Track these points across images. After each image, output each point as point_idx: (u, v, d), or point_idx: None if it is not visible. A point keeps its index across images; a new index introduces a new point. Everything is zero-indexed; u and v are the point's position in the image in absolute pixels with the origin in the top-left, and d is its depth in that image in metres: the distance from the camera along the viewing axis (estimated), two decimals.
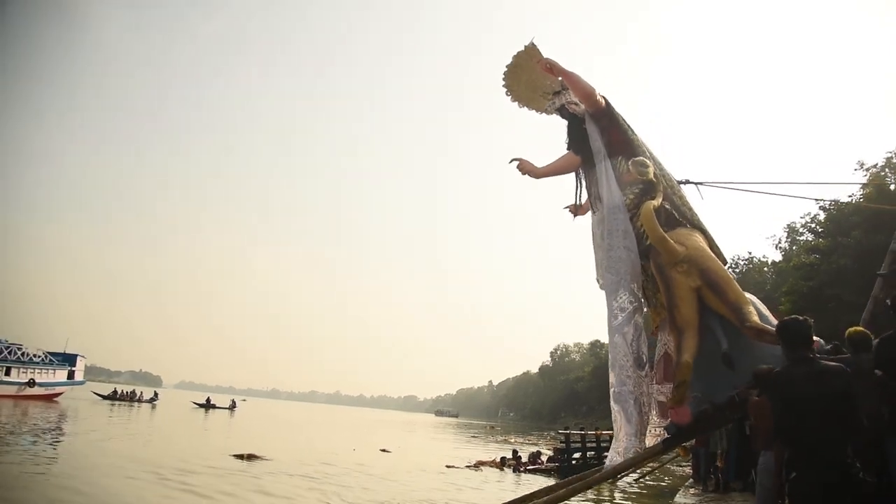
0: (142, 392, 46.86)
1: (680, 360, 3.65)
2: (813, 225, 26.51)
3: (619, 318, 4.08)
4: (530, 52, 4.62)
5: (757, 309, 3.78)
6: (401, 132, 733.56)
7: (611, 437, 4.59)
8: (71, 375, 36.09)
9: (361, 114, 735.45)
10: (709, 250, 4.04)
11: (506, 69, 4.78)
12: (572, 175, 4.93)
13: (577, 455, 16.35)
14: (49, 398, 33.19)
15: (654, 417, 4.21)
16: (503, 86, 4.84)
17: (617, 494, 11.74)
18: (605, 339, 4.41)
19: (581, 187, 4.88)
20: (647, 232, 3.95)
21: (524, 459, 17.46)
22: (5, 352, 31.19)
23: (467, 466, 16.63)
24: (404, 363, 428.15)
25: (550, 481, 13.81)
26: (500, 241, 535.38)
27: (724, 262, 4.18)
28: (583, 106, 4.60)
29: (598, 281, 4.63)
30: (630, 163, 4.23)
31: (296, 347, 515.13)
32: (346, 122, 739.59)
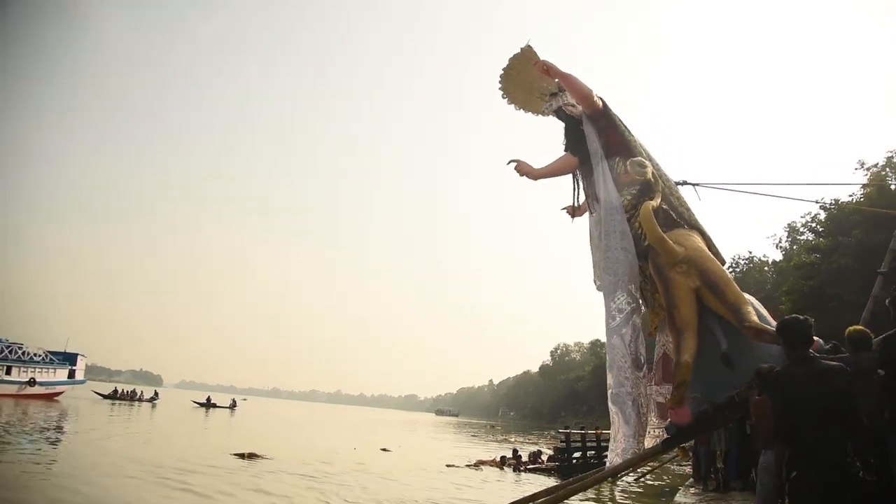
0: (142, 391, 46.94)
1: (680, 361, 3.65)
2: (813, 224, 26.49)
3: (617, 319, 4.08)
4: (527, 53, 4.61)
5: (755, 309, 3.78)
6: (401, 132, 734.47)
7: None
8: (71, 375, 36.13)
9: (361, 114, 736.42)
10: (707, 251, 4.04)
11: (502, 72, 4.78)
12: (570, 176, 4.93)
13: (577, 454, 16.35)
14: (50, 397, 33.22)
15: (654, 418, 4.21)
16: (500, 89, 4.84)
17: (617, 494, 11.74)
18: (605, 338, 4.40)
19: (579, 188, 4.88)
20: (646, 232, 3.94)
21: (524, 459, 17.46)
22: (6, 351, 31.21)
23: (467, 466, 16.64)
24: (404, 363, 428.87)
25: (551, 480, 13.83)
26: (500, 241, 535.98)
27: (723, 263, 4.18)
28: (580, 107, 4.59)
29: (595, 282, 4.63)
30: (628, 163, 4.23)
31: (296, 347, 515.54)
32: (346, 122, 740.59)
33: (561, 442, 17.47)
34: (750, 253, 38.82)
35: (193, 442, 18.32)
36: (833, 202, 22.21)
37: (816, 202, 21.24)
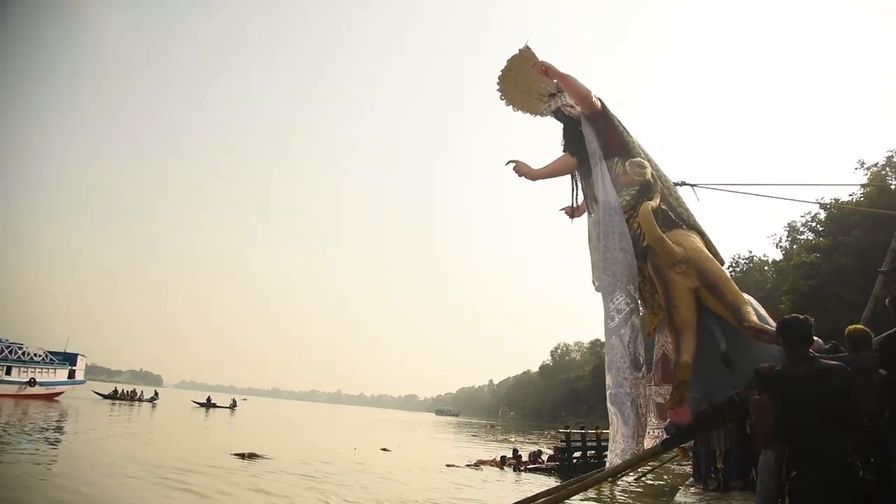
0: (142, 391, 46.94)
1: (679, 361, 3.65)
2: (813, 224, 26.45)
3: (616, 319, 4.08)
4: (525, 54, 4.60)
5: (754, 309, 3.78)
6: (401, 132, 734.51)
7: None
8: (71, 375, 36.11)
9: (361, 114, 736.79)
10: (706, 251, 4.04)
11: (500, 73, 4.77)
12: (569, 176, 4.93)
13: (577, 454, 16.35)
14: (50, 397, 33.22)
15: (653, 419, 4.20)
16: (498, 90, 4.84)
17: (617, 493, 11.75)
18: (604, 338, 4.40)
19: (577, 189, 4.87)
20: (646, 232, 3.94)
21: (524, 458, 17.45)
22: (6, 351, 31.20)
23: (467, 465, 16.64)
24: (404, 363, 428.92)
25: (551, 480, 13.84)
26: (500, 241, 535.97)
27: (722, 263, 4.18)
28: (579, 108, 4.59)
29: (593, 283, 4.63)
30: (627, 163, 4.22)
31: (296, 347, 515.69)
32: (346, 122, 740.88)
33: (561, 442, 17.47)
34: (750, 252, 38.81)
35: (193, 442, 18.32)
36: (833, 201, 22.20)
37: (817, 202, 21.19)
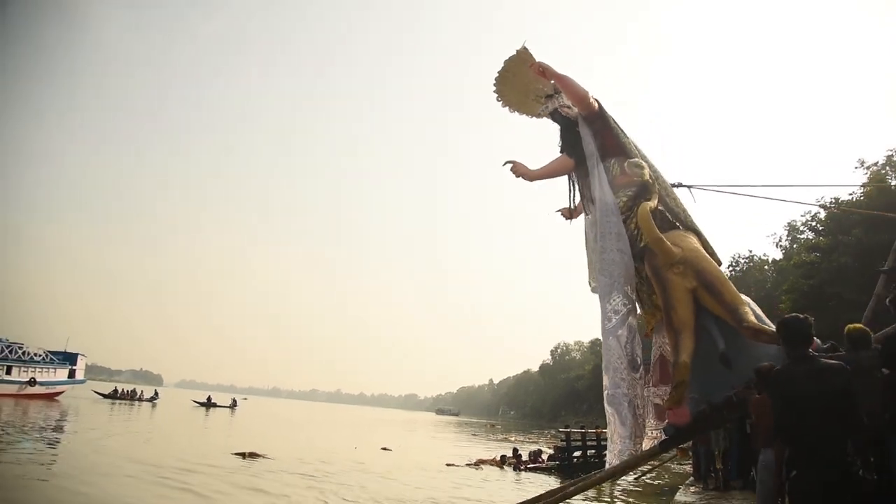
0: (142, 391, 46.99)
1: (678, 361, 3.64)
2: (813, 223, 26.45)
3: (613, 320, 4.07)
4: (522, 55, 4.59)
5: (752, 309, 3.78)
6: (401, 132, 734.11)
7: None
8: (72, 374, 36.14)
9: (361, 114, 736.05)
10: (704, 252, 4.03)
11: (497, 74, 4.76)
12: (566, 177, 4.93)
13: (577, 453, 16.36)
14: (50, 397, 33.24)
15: (651, 420, 4.20)
16: (494, 91, 4.83)
17: (617, 493, 11.75)
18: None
19: (574, 190, 4.87)
20: (644, 233, 3.93)
21: (525, 458, 17.45)
22: (6, 351, 31.22)
23: (467, 465, 16.63)
24: (405, 362, 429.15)
25: (551, 479, 13.85)
26: (500, 241, 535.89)
27: (719, 264, 4.18)
28: (576, 109, 4.58)
29: (590, 284, 4.63)
30: (626, 164, 4.22)
31: (296, 347, 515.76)
32: (346, 122, 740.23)
33: (561, 441, 17.48)
34: (750, 252, 38.79)
35: (194, 441, 18.33)
36: (833, 201, 22.20)
37: (815, 204, 21.17)
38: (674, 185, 4.70)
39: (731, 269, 37.01)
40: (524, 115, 4.95)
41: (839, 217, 22.87)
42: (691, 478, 9.86)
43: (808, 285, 23.45)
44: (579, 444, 16.78)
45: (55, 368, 34.43)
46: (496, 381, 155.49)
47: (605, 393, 4.08)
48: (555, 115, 4.78)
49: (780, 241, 32.83)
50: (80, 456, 11.90)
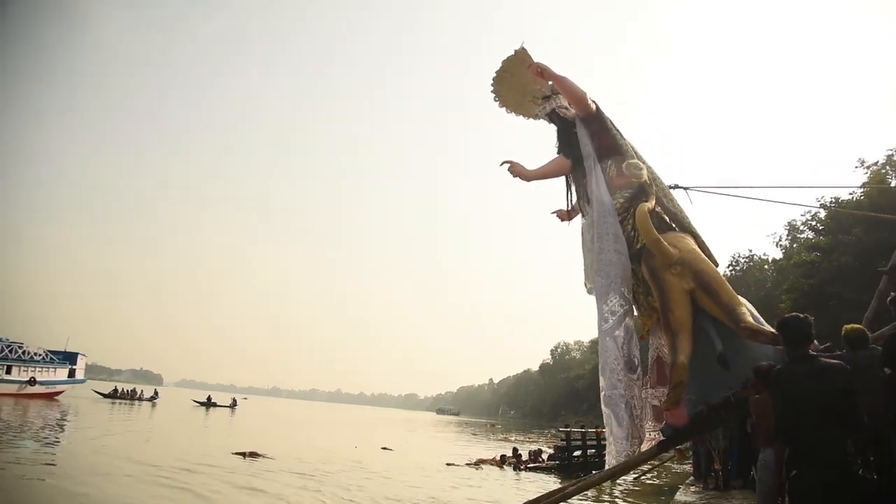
0: (142, 390, 46.99)
1: (676, 362, 3.64)
2: (814, 223, 26.45)
3: (610, 321, 4.06)
4: (520, 56, 4.58)
5: (749, 310, 3.78)
6: (401, 132, 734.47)
7: None
8: (72, 374, 36.12)
9: (361, 114, 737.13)
10: (701, 253, 4.03)
11: (495, 75, 4.75)
12: (563, 178, 4.92)
13: (577, 453, 16.36)
14: (50, 396, 33.22)
15: (649, 422, 4.19)
16: (492, 92, 4.82)
17: (617, 493, 11.75)
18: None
19: (571, 191, 4.86)
20: (642, 234, 3.92)
21: (525, 457, 17.45)
22: (6, 350, 31.20)
23: (467, 464, 16.62)
24: (405, 362, 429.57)
25: (551, 479, 13.85)
26: (500, 241, 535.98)
27: (716, 265, 4.16)
28: (573, 110, 4.58)
29: (586, 285, 4.62)
30: (624, 165, 4.22)
31: (296, 347, 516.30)
32: (346, 122, 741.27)
33: (561, 440, 17.48)
34: (750, 251, 38.83)
35: (194, 441, 18.32)
36: (833, 200, 22.20)
37: (814, 206, 21.21)
38: (671, 187, 4.69)
39: (731, 268, 37.04)
40: (521, 117, 4.94)
41: (839, 216, 22.88)
42: (691, 477, 9.87)
43: (809, 285, 23.46)
44: (579, 443, 16.78)
45: (55, 368, 34.42)
46: (496, 381, 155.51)
47: (602, 394, 4.07)
48: (552, 116, 4.77)
49: (780, 240, 32.89)
50: (80, 456, 11.89)
